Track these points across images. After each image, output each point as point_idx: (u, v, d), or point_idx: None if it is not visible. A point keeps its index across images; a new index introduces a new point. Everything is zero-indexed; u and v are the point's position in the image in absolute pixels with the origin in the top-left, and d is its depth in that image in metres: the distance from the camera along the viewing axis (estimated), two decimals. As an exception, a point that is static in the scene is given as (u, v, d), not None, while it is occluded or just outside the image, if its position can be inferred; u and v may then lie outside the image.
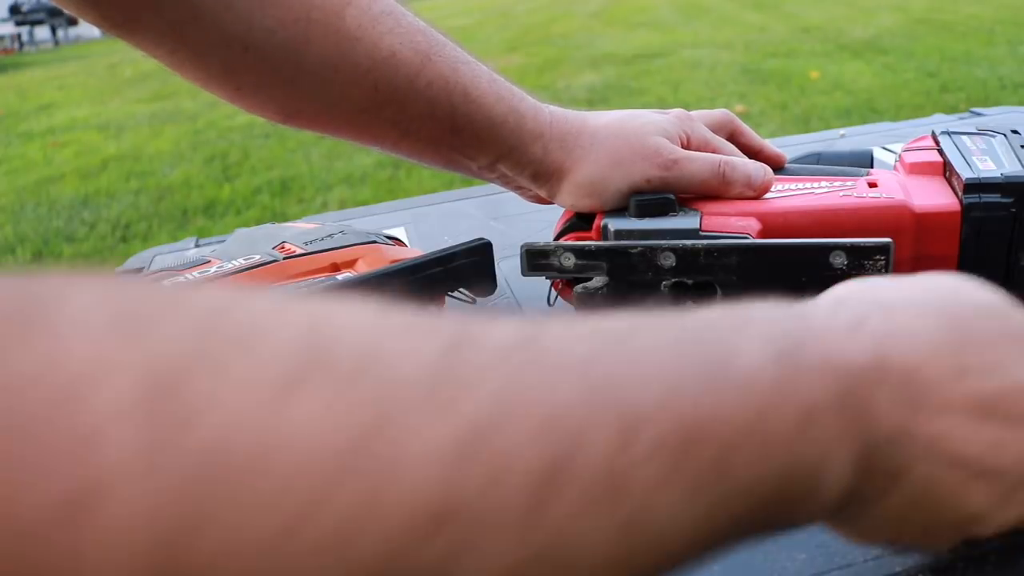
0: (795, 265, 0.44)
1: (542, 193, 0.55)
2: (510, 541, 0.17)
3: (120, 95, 5.65)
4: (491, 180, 0.56)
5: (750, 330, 0.24)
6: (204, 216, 3.15)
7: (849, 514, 0.26)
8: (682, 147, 0.53)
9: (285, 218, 2.67)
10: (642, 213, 0.50)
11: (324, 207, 3.07)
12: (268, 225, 0.59)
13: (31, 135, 4.80)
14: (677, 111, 0.56)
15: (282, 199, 3.25)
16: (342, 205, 3.04)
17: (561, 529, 0.18)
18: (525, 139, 0.51)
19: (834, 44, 5.02)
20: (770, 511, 0.23)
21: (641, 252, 0.46)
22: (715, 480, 0.21)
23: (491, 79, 0.51)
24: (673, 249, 0.45)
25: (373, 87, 0.48)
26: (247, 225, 0.78)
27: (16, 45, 10.79)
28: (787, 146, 0.87)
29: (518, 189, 0.57)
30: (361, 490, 0.16)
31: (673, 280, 0.46)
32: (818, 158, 0.70)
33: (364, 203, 2.66)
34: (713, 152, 0.54)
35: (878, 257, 0.42)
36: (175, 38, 0.46)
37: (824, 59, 4.66)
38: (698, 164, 0.51)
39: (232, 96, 0.49)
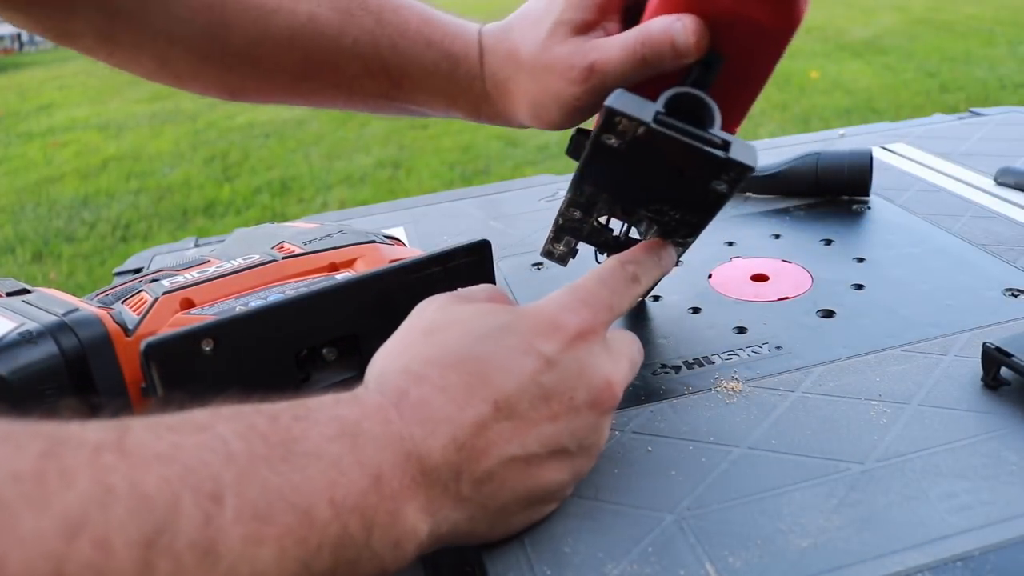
0: None
1: (499, 123, 0.49)
2: None
3: (120, 95, 5.65)
4: (464, 119, 0.50)
5: (310, 419, 0.29)
6: (204, 216, 3.15)
7: (456, 534, 0.33)
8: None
9: (285, 218, 2.67)
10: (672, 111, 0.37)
11: (324, 207, 3.07)
12: (267, 225, 0.58)
13: (31, 135, 4.80)
14: None
15: (282, 199, 3.24)
16: (342, 205, 3.04)
17: None
18: (462, 85, 0.47)
19: (834, 44, 5.02)
20: (363, 560, 0.28)
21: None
22: (300, 540, 0.26)
23: (421, 22, 0.46)
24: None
25: (302, 55, 0.47)
26: (247, 225, 0.78)
27: (16, 45, 10.77)
28: (787, 146, 0.87)
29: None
30: None
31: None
32: (818, 158, 0.70)
33: (364, 203, 2.67)
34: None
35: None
36: (109, 42, 0.48)
37: (824, 59, 4.65)
38: (615, 51, 0.40)
39: (175, 84, 0.50)
